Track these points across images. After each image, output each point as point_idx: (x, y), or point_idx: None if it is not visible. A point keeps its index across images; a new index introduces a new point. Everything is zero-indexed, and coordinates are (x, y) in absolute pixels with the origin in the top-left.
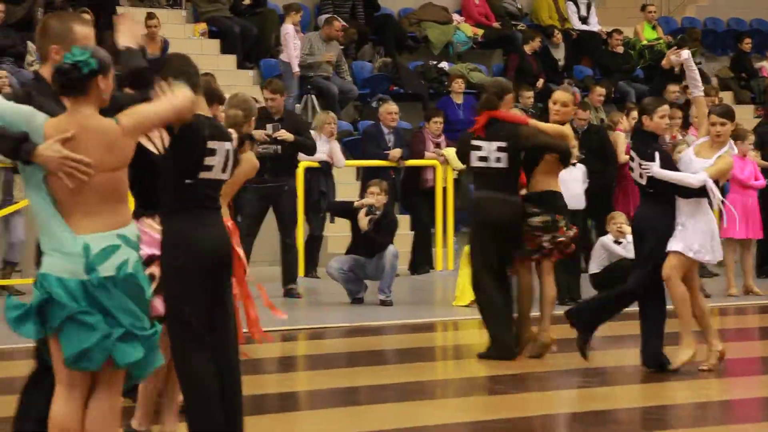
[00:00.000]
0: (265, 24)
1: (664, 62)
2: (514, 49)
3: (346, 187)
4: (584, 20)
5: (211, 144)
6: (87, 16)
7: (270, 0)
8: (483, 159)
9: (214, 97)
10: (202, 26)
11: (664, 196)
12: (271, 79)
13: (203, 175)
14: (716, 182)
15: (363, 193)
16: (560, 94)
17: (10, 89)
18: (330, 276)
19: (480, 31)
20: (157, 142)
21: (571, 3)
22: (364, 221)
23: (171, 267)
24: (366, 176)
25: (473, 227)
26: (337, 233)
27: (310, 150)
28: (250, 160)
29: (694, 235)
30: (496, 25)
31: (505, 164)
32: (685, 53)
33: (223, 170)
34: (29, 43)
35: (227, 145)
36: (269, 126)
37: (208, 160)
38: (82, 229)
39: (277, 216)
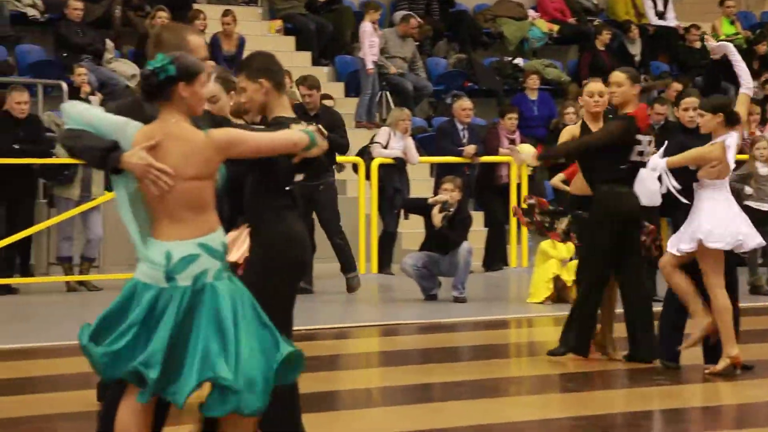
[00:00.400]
0: (340, 21)
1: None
2: (589, 45)
3: (420, 183)
4: (661, 15)
5: None
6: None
7: None
8: (641, 154)
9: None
10: (278, 23)
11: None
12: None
13: (297, 178)
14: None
15: (437, 190)
16: (594, 85)
17: (89, 87)
18: (404, 272)
19: (555, 27)
20: None
21: None
22: (438, 218)
23: (276, 263)
24: (440, 173)
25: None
26: (411, 230)
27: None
28: None
29: (702, 224)
30: (571, 20)
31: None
32: (724, 44)
33: None
34: (107, 41)
35: None
36: (304, 123)
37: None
38: (165, 235)
39: (317, 216)
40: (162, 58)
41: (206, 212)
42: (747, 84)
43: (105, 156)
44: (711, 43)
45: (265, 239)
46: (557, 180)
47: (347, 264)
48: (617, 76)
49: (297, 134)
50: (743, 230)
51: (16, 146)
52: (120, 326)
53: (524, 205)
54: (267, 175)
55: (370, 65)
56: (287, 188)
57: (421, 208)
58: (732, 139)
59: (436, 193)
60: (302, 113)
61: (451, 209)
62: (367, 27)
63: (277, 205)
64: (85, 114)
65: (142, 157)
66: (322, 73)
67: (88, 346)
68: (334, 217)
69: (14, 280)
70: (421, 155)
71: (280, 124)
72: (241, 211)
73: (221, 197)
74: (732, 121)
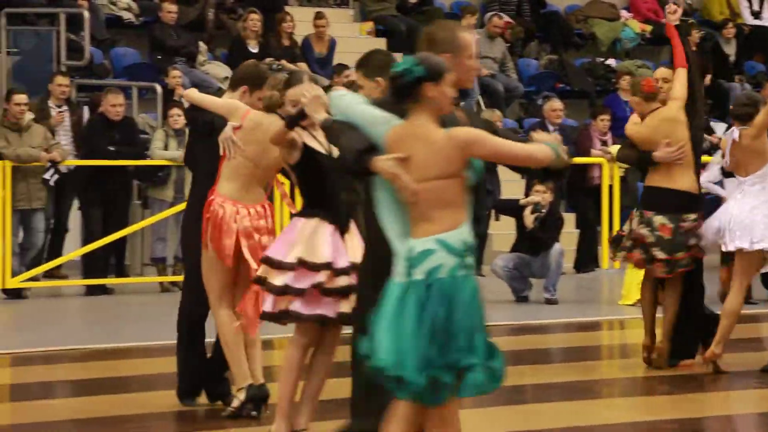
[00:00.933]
0: (430, 22)
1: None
2: (685, 45)
3: (511, 184)
4: (756, 15)
5: None
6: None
7: None
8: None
9: (262, 80)
10: (369, 25)
11: None
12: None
13: None
14: None
15: (528, 191)
16: (661, 70)
17: (182, 89)
18: (495, 274)
19: (648, 28)
20: (324, 143)
21: None
22: (529, 219)
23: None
24: (532, 175)
25: None
26: (502, 231)
27: None
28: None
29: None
30: (665, 21)
31: None
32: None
33: None
34: (200, 44)
35: None
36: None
37: None
38: (416, 233)
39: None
40: (410, 60)
41: (451, 209)
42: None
43: (359, 157)
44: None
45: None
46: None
47: None
48: (663, 71)
49: (541, 150)
50: None
51: (111, 148)
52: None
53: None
54: None
55: None
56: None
57: (513, 209)
58: None
59: (527, 195)
60: None
61: (543, 210)
62: None
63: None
64: (351, 107)
65: (391, 166)
66: None
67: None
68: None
69: (109, 281)
70: None
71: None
72: None
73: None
74: None
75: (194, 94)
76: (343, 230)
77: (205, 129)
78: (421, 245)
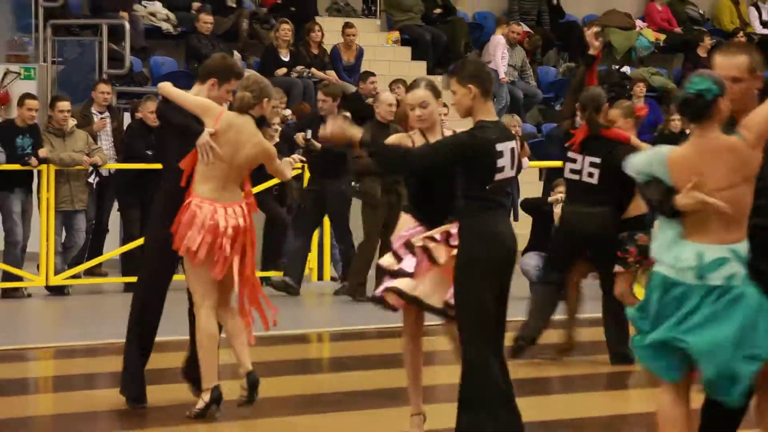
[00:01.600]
0: (454, 32)
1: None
2: (693, 53)
3: (529, 186)
4: (766, 24)
5: (498, 147)
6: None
7: (460, 8)
8: (575, 172)
9: (230, 73)
10: (395, 34)
11: None
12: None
13: (498, 176)
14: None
15: (549, 192)
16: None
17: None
18: (525, 273)
19: (662, 36)
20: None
21: (753, 8)
22: (559, 216)
23: (476, 260)
24: (549, 177)
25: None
26: (520, 231)
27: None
28: (259, 144)
29: None
30: (678, 30)
31: (596, 180)
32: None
33: (512, 168)
34: (235, 52)
35: (511, 144)
36: (309, 131)
37: (500, 163)
38: (698, 238)
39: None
40: (701, 80)
41: (744, 218)
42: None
43: (664, 200)
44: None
45: (467, 239)
46: None
47: (344, 271)
48: None
49: None
50: None
51: (149, 152)
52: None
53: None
54: (471, 176)
55: (503, 75)
56: (487, 187)
57: (539, 206)
58: None
59: (547, 196)
60: (318, 118)
61: None
62: (500, 39)
63: (480, 205)
64: (648, 164)
65: (695, 198)
66: (437, 81)
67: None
68: (340, 223)
69: None
70: (531, 160)
71: (483, 128)
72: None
73: None
74: None
75: (170, 89)
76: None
77: (178, 131)
78: (714, 252)
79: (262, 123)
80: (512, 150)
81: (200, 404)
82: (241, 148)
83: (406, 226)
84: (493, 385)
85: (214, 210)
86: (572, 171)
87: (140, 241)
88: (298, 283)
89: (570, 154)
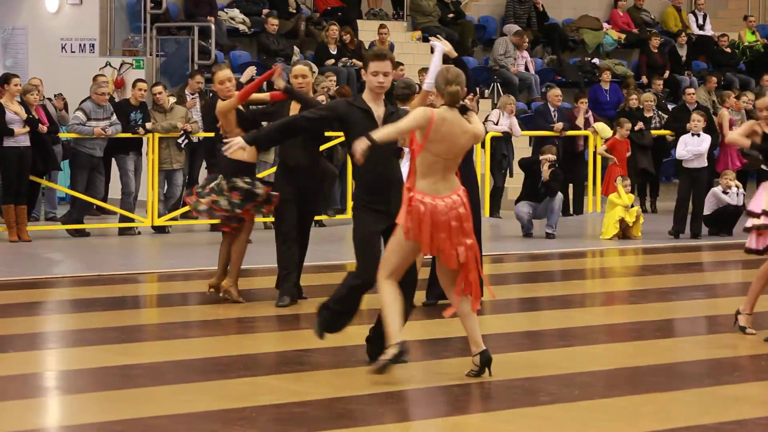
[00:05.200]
0: (463, 31)
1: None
2: (646, 49)
3: (521, 151)
4: (701, 27)
5: None
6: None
7: (468, 13)
8: None
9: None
10: (418, 33)
11: None
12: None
13: None
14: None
15: (538, 154)
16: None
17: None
18: (519, 218)
19: (623, 36)
20: None
21: (691, 15)
22: (547, 172)
23: None
24: (537, 143)
25: None
26: (514, 185)
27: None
28: (468, 131)
29: None
30: (635, 31)
31: None
32: (439, 45)
33: None
34: (295, 48)
35: None
36: None
37: None
38: None
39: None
40: None
41: None
42: (429, 81)
43: None
44: (435, 42)
45: None
46: (602, 150)
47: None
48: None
49: None
50: None
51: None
52: None
53: None
54: None
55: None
56: None
57: (530, 165)
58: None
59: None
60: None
61: (556, 164)
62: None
63: None
64: None
65: None
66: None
67: None
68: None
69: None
70: (522, 130)
71: None
72: None
73: None
74: None
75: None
76: None
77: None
78: None
79: (464, 110)
80: None
81: (387, 355)
82: (457, 140)
83: None
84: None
85: (435, 205)
86: None
87: None
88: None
89: None
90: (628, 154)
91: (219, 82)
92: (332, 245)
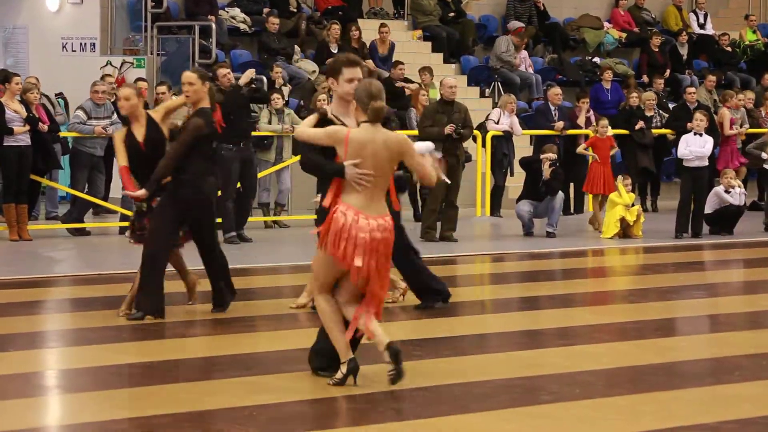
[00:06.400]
0: (464, 30)
1: None
2: (647, 48)
3: (522, 149)
4: (702, 26)
5: None
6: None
7: (468, 12)
8: None
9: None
10: (419, 32)
11: None
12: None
13: None
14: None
15: (539, 153)
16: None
17: (282, 80)
18: (519, 217)
19: (624, 35)
20: None
21: (692, 14)
22: (548, 171)
23: None
24: (537, 142)
25: None
26: (514, 184)
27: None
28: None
29: None
30: (635, 30)
31: None
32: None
33: None
34: (295, 46)
35: None
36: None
37: None
38: None
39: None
40: None
41: None
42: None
43: None
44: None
45: None
46: (581, 148)
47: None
48: None
49: None
50: None
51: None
52: None
53: None
54: None
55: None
56: None
57: (531, 164)
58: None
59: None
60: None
61: (557, 163)
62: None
63: None
64: None
65: None
66: (450, 69)
67: None
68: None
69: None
70: (523, 129)
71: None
72: None
73: None
74: None
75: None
76: None
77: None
78: None
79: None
80: None
81: (338, 375)
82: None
83: None
84: None
85: (356, 220)
86: None
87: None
88: None
89: None
90: (613, 151)
91: (125, 98)
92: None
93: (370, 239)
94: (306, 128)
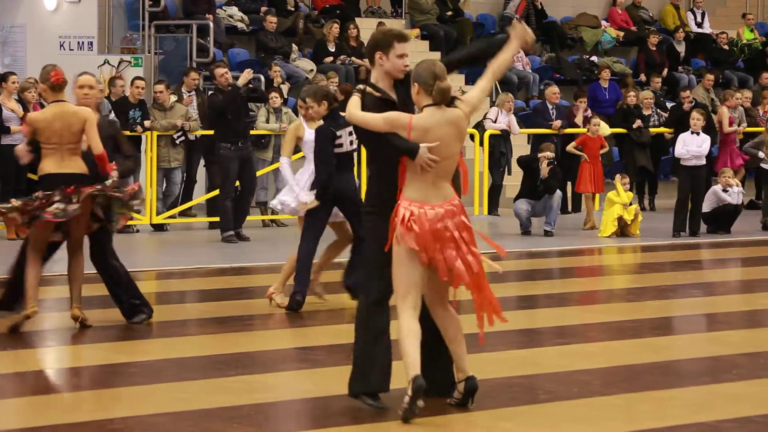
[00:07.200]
0: (462, 29)
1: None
2: (645, 46)
3: (519, 149)
4: (699, 25)
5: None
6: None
7: (466, 11)
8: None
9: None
10: (417, 31)
11: None
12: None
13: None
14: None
15: (536, 152)
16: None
17: (280, 79)
18: (517, 215)
19: (621, 33)
20: None
21: (689, 12)
22: (545, 169)
23: None
24: (535, 141)
25: None
26: (512, 183)
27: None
28: None
29: None
30: (633, 28)
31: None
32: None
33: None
34: (293, 45)
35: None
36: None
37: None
38: None
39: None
40: None
41: None
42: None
43: None
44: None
45: None
46: (571, 146)
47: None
48: None
49: None
50: None
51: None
52: None
53: None
54: None
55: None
56: None
57: (529, 163)
58: None
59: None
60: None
61: (555, 162)
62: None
63: None
64: None
65: None
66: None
67: None
68: (224, 180)
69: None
70: (521, 128)
71: None
72: None
73: None
74: None
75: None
76: None
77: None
78: None
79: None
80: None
81: (405, 399)
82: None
83: None
84: None
85: (423, 213)
86: None
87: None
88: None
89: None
90: (603, 150)
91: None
92: None
93: (443, 228)
94: (359, 112)
